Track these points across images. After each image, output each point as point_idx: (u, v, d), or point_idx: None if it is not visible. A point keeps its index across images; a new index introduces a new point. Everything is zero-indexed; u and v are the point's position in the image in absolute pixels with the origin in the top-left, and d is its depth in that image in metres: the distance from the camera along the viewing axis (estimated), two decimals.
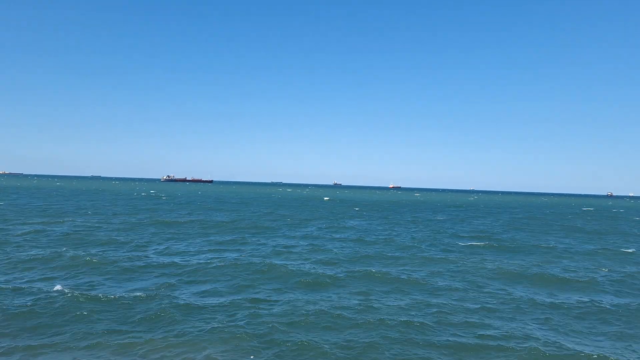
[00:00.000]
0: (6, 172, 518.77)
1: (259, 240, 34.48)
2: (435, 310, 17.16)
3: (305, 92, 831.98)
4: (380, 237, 39.31)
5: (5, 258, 24.02)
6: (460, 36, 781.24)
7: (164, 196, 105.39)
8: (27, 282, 19.54)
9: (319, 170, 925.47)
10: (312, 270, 23.50)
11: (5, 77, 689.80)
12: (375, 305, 17.49)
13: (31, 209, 54.24)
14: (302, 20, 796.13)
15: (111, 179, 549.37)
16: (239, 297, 18.11)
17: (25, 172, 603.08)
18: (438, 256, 29.59)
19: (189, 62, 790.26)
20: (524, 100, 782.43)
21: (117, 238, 32.63)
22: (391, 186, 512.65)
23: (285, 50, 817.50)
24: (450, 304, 18.15)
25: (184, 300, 17.44)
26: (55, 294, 17.30)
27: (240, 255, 27.29)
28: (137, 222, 43.94)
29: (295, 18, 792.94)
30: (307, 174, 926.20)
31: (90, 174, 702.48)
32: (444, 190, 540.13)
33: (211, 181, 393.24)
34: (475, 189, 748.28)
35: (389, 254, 29.78)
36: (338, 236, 38.80)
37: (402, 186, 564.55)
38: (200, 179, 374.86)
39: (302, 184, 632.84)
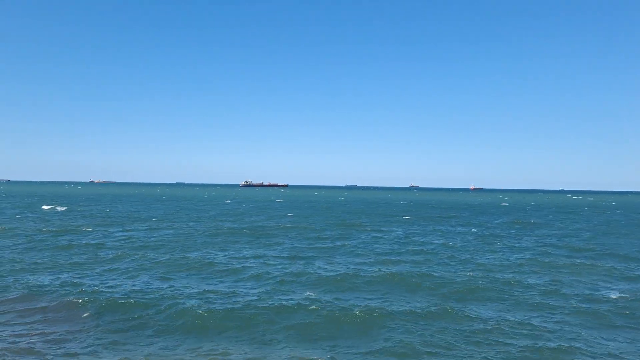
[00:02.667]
0: (101, 180, 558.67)
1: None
2: None
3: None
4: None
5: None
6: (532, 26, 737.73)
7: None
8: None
9: (395, 173, 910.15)
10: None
11: (99, 89, 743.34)
12: None
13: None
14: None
15: (194, 185, 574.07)
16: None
17: (117, 180, 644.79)
18: None
19: (262, 67, 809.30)
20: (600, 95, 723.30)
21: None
22: (472, 187, 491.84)
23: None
24: None
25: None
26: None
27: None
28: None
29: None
30: (379, 176, 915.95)
31: (175, 181, 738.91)
32: (528, 191, 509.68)
33: (286, 185, 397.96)
34: (565, 189, 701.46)
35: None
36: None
37: (483, 187, 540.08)
38: (276, 183, 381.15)
39: (373, 187, 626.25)
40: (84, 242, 32.45)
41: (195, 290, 19.00)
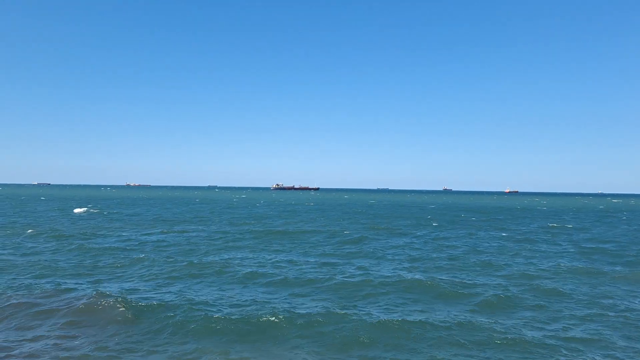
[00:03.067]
0: (136, 183, 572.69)
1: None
2: None
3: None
4: None
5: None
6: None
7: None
8: None
9: (427, 176, 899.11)
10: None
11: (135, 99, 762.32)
12: None
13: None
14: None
15: (226, 188, 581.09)
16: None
17: (152, 184, 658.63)
18: None
19: (299, 73, 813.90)
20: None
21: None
22: (507, 191, 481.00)
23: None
24: None
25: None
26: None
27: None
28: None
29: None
30: (411, 179, 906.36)
31: (207, 184, 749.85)
32: (566, 194, 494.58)
33: (317, 188, 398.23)
34: (605, 192, 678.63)
35: None
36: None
37: (519, 191, 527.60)
38: (307, 186, 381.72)
39: (405, 190, 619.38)
40: (109, 245, 32.76)
41: (215, 296, 18.72)
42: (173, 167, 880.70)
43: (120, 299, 17.12)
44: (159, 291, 19.32)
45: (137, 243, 34.01)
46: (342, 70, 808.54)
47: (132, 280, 21.58)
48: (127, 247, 31.69)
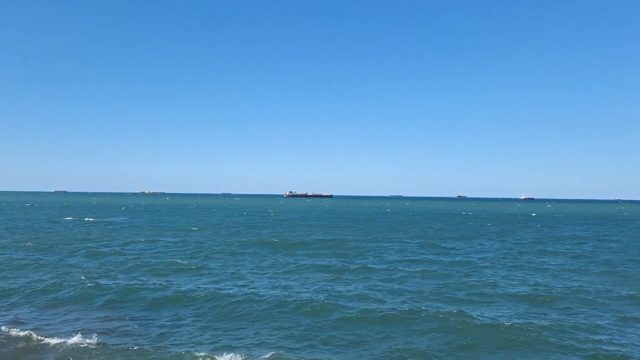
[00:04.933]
0: (150, 191, 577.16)
1: None
2: None
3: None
4: None
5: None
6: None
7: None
8: None
9: (442, 182, 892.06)
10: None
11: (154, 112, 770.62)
12: None
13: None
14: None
15: (240, 195, 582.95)
16: None
17: (166, 191, 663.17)
18: None
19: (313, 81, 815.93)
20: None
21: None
22: (522, 197, 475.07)
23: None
24: None
25: None
26: None
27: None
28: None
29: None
30: (425, 186, 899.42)
31: (221, 192, 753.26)
32: (583, 201, 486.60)
33: (330, 196, 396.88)
34: (621, 199, 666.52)
35: None
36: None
37: (534, 197, 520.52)
38: (320, 193, 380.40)
39: (420, 197, 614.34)
40: (109, 250, 32.20)
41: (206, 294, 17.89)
42: (188, 175, 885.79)
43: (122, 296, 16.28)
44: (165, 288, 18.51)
45: (134, 250, 33.33)
46: (358, 78, 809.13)
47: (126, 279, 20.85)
48: (122, 253, 31.06)
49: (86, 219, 68.92)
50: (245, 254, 33.60)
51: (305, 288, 21.78)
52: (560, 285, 23.15)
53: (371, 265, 28.51)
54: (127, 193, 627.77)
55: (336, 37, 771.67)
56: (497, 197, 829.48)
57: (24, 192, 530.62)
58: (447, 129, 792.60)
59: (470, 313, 17.52)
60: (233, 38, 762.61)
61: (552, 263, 30.96)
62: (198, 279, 23.78)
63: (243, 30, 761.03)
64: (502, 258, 32.91)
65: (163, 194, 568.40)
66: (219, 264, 28.69)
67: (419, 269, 27.38)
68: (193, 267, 27.09)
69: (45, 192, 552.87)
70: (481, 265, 29.66)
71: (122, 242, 39.10)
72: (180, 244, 38.54)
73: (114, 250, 33.75)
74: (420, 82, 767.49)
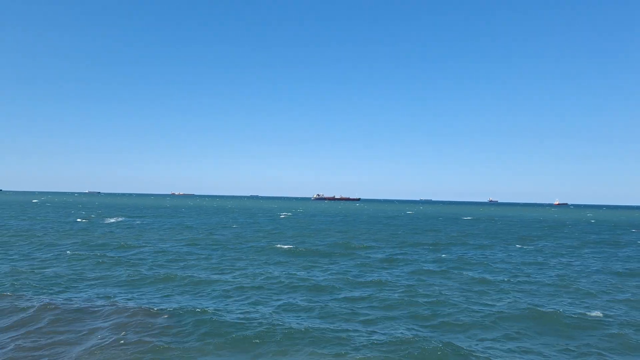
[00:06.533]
0: (180, 193, 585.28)
1: None
2: None
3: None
4: None
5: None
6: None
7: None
8: None
9: (472, 187, 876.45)
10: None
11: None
12: None
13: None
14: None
15: (267, 198, 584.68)
16: None
17: (196, 193, 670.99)
18: None
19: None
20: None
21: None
22: (556, 203, 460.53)
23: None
24: None
25: None
26: None
27: None
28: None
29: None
30: (455, 191, 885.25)
31: (249, 194, 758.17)
32: (621, 207, 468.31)
33: (359, 199, 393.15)
34: None
35: None
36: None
37: (568, 203, 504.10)
38: (348, 197, 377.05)
39: (449, 201, 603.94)
40: (132, 254, 30.02)
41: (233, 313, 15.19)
42: (217, 177, 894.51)
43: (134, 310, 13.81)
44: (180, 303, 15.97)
45: (153, 255, 31.09)
46: (388, 84, 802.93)
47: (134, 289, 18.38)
48: (144, 259, 28.79)
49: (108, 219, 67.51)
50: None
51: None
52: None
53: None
54: (159, 194, 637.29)
55: (369, 41, 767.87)
56: (530, 202, 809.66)
57: (59, 193, 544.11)
58: (480, 132, 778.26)
59: None
60: (257, 42, 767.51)
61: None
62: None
63: (271, 33, 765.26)
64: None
65: (193, 196, 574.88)
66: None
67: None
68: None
69: (76, 193, 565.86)
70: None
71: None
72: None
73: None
74: (452, 86, 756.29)
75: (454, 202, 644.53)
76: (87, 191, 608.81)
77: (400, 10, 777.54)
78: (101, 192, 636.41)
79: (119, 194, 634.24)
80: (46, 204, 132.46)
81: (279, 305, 18.67)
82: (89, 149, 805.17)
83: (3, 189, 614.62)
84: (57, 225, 54.70)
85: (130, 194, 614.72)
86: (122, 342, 13.73)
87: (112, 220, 67.69)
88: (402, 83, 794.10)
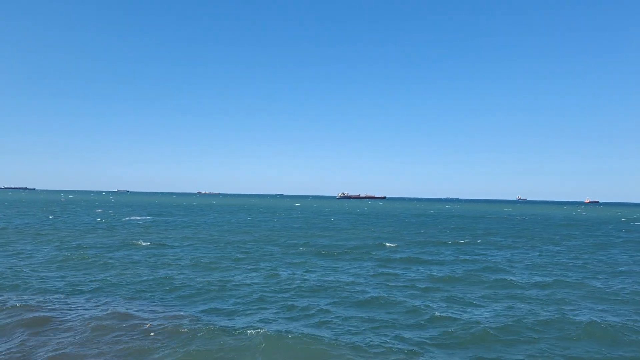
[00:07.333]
0: (207, 191, 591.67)
1: None
2: None
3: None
4: None
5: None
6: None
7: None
8: None
9: (501, 185, 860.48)
10: None
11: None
12: None
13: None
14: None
15: (291, 196, 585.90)
16: None
17: (222, 192, 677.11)
18: None
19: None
20: None
21: None
22: (587, 201, 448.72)
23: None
24: None
25: None
26: None
27: None
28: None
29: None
30: (482, 189, 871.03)
31: (274, 192, 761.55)
32: None
33: (384, 197, 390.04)
34: None
35: None
36: None
37: (599, 201, 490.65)
38: (373, 195, 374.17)
39: (476, 199, 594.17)
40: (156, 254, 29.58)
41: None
42: (242, 176, 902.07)
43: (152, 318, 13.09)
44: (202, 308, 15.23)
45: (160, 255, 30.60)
46: (414, 81, 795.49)
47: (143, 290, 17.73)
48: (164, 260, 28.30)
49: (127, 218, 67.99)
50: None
51: None
52: None
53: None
54: (185, 193, 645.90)
55: (387, 42, 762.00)
56: (559, 200, 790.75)
57: (88, 192, 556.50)
58: (510, 129, 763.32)
59: None
60: (273, 41, 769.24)
61: None
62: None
63: (282, 32, 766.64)
64: None
65: (218, 195, 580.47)
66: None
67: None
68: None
69: (104, 192, 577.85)
70: None
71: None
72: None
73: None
74: (483, 83, 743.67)
75: (481, 200, 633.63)
76: (116, 190, 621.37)
77: (401, 10, 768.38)
78: (129, 190, 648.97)
79: (146, 192, 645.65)
80: (72, 202, 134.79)
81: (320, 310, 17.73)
82: (118, 148, 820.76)
83: (37, 188, 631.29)
84: (76, 224, 55.07)
85: (154, 193, 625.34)
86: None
87: (144, 217, 68.02)
88: (422, 83, 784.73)
